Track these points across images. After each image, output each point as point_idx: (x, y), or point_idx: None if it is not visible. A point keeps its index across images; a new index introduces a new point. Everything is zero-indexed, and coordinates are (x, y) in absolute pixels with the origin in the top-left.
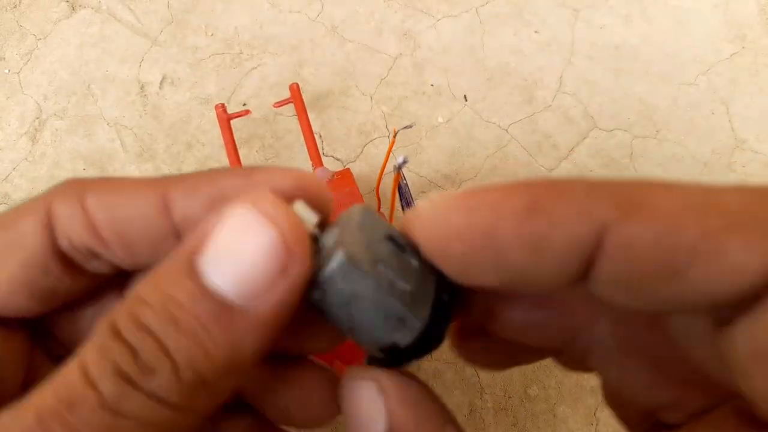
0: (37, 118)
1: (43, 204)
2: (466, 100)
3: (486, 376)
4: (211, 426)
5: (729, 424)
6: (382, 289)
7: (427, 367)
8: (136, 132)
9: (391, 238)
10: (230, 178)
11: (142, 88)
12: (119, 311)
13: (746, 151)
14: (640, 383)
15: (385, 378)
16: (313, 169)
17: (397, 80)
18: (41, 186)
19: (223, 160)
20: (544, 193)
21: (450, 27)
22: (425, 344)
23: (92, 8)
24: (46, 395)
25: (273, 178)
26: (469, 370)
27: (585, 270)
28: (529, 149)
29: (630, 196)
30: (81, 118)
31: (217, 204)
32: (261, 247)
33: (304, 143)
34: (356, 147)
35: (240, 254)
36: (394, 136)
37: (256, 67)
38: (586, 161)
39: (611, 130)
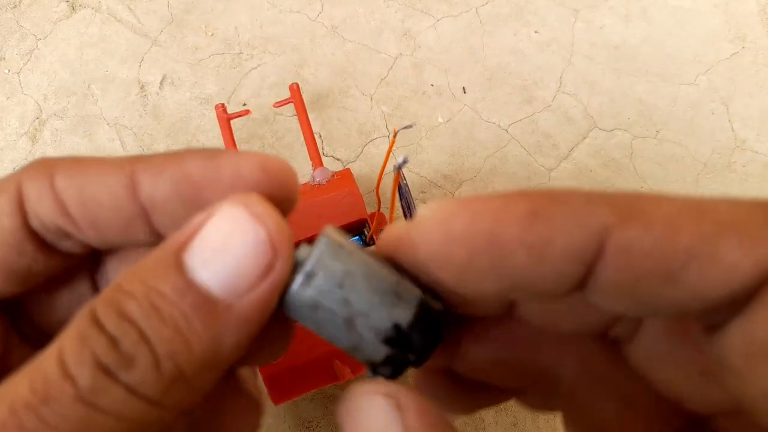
0: (37, 118)
1: (14, 183)
2: (464, 93)
3: None
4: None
5: None
6: (372, 263)
7: None
8: (136, 132)
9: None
10: (196, 160)
11: (142, 88)
12: (99, 301)
13: (746, 151)
14: (607, 419)
15: (404, 395)
16: (313, 169)
17: (397, 80)
18: None
19: None
20: (545, 201)
21: (450, 27)
22: (427, 322)
23: (92, 8)
24: (20, 386)
25: (238, 162)
26: None
27: (585, 276)
28: (529, 149)
29: (628, 203)
30: (81, 118)
31: (182, 185)
32: (249, 245)
33: (304, 143)
34: (356, 147)
35: (228, 251)
36: (394, 136)
37: (256, 67)
38: (586, 161)
39: (611, 130)
